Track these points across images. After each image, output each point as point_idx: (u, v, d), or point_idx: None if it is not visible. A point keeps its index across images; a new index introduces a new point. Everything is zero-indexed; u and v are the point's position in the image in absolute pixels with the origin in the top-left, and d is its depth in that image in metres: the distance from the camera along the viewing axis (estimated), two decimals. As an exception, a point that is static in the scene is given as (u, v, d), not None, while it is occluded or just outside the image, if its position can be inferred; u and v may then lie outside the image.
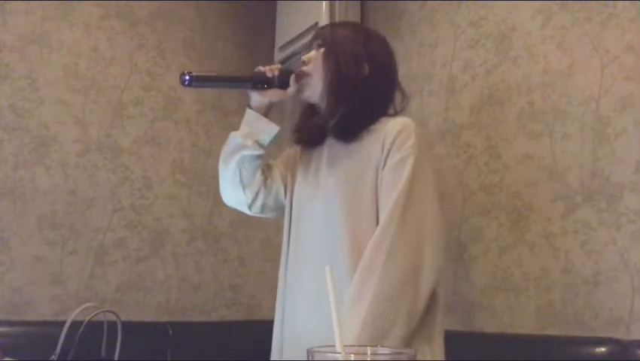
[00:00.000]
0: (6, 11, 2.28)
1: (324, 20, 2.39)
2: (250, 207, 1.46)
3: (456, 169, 2.02)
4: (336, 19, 2.42)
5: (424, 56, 2.22)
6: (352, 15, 2.50)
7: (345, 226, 1.27)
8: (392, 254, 1.18)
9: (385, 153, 1.27)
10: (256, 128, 1.39)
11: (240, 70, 2.78)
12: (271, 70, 1.37)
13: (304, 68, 1.40)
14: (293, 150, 1.53)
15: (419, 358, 1.21)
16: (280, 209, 1.48)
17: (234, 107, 2.69)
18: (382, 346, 1.08)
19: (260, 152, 1.40)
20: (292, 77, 1.38)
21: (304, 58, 1.41)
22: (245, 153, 1.38)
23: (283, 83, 1.38)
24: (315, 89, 1.38)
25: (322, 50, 1.39)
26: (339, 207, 1.29)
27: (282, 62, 2.61)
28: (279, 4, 2.73)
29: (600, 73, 1.64)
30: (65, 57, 2.38)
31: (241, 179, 1.40)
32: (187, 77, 1.29)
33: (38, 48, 2.33)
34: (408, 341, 1.17)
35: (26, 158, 2.26)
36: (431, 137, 2.14)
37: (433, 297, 1.23)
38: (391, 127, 1.29)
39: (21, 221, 2.22)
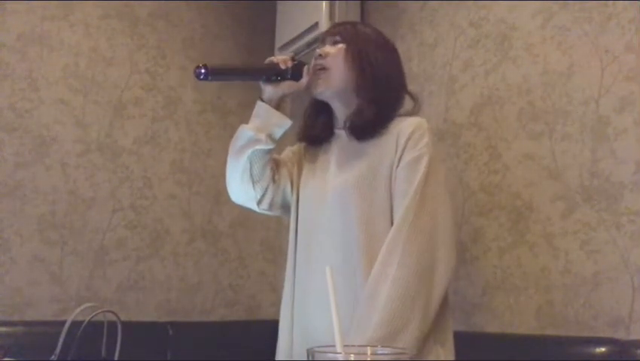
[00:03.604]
0: (6, 11, 2.28)
1: (324, 20, 2.39)
2: (259, 203, 1.42)
3: (456, 169, 2.02)
4: (336, 19, 2.41)
5: (424, 56, 2.22)
6: (352, 15, 2.50)
7: (359, 225, 1.25)
8: (406, 254, 1.17)
9: (399, 151, 1.27)
10: (268, 121, 1.35)
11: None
12: (284, 61, 1.34)
13: (321, 62, 1.36)
14: (296, 148, 1.51)
15: (431, 358, 1.20)
16: (287, 207, 1.46)
17: (234, 107, 2.69)
18: (394, 347, 1.08)
19: (272, 146, 1.36)
20: (305, 68, 1.36)
21: (320, 51, 1.38)
22: (258, 147, 1.34)
23: (296, 75, 1.35)
24: (331, 84, 1.36)
25: (341, 45, 1.37)
26: (352, 207, 1.27)
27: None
28: (279, 4, 2.73)
29: (600, 73, 1.64)
30: (65, 57, 2.38)
31: (251, 174, 1.36)
32: (202, 71, 1.24)
33: (38, 48, 2.33)
34: (422, 343, 1.16)
35: (26, 158, 2.26)
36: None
37: (444, 297, 1.23)
38: (404, 126, 1.29)
39: (21, 221, 2.22)
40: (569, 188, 1.68)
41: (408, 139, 1.27)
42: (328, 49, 1.38)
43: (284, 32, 2.64)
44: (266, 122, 1.35)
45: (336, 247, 1.28)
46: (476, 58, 2.01)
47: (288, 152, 1.51)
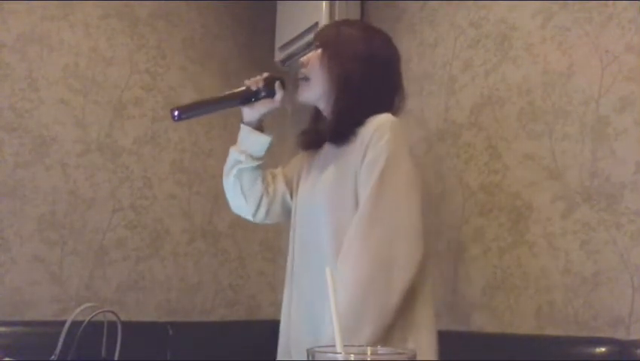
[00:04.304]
0: (6, 11, 2.28)
1: (324, 20, 2.39)
2: (254, 215, 1.50)
3: (456, 169, 2.02)
4: (336, 19, 2.42)
5: (424, 56, 2.22)
6: (352, 15, 2.50)
7: (329, 228, 1.28)
8: (360, 253, 1.18)
9: (362, 153, 1.26)
10: (248, 142, 1.43)
11: (239, 70, 2.79)
12: (255, 82, 1.39)
13: (302, 70, 1.39)
14: (300, 155, 1.55)
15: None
16: (289, 213, 1.50)
17: (234, 108, 2.69)
18: (351, 343, 1.07)
19: (256, 163, 1.45)
20: (277, 84, 1.40)
21: (302, 60, 1.41)
22: (241, 167, 1.44)
23: (270, 92, 1.39)
24: (313, 91, 1.38)
25: (319, 51, 1.39)
26: (325, 211, 1.30)
27: (283, 61, 2.62)
28: (279, 4, 2.73)
29: (600, 73, 1.64)
30: (65, 57, 2.38)
31: (242, 190, 1.46)
32: (175, 113, 1.31)
33: (38, 48, 2.33)
34: (381, 338, 1.15)
35: (26, 158, 2.26)
36: (431, 137, 2.14)
37: (412, 292, 1.20)
38: (368, 127, 1.28)
39: (21, 221, 2.22)
40: (569, 188, 1.68)
41: (370, 140, 1.25)
42: (309, 55, 1.41)
43: (284, 32, 2.64)
44: (246, 144, 1.44)
45: (313, 251, 1.34)
46: (476, 58, 2.01)
47: (295, 160, 1.57)
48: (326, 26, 1.52)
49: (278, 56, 2.66)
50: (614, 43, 1.61)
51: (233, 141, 1.48)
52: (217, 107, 1.45)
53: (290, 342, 1.37)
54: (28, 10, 2.32)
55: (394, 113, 1.36)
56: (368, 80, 1.34)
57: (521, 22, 1.87)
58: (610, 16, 1.63)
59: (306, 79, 1.38)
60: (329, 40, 1.39)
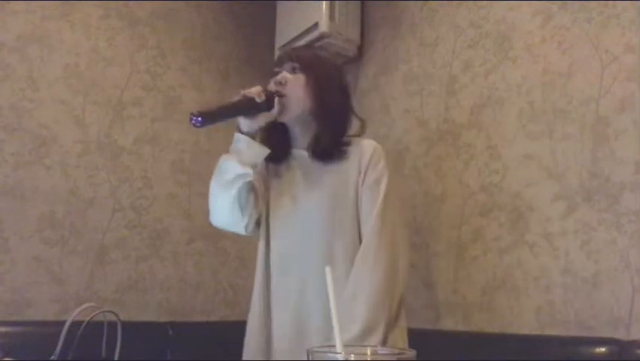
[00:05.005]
0: (6, 11, 2.28)
1: (324, 20, 2.39)
2: (246, 227, 1.50)
3: (456, 169, 2.02)
4: (336, 20, 2.41)
5: (424, 56, 2.22)
6: (352, 15, 2.50)
7: (330, 236, 1.39)
8: (376, 262, 1.33)
9: (362, 172, 1.43)
10: (252, 153, 1.42)
11: (239, 69, 2.78)
12: (258, 94, 1.39)
13: (280, 89, 1.43)
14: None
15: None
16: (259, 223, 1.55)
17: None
18: (369, 341, 1.23)
19: (254, 175, 1.46)
20: (276, 99, 1.43)
21: (280, 78, 1.45)
22: (247, 179, 1.42)
23: (269, 106, 1.42)
24: (292, 111, 1.44)
25: (300, 75, 1.44)
26: (324, 221, 1.40)
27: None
28: (279, 4, 2.73)
29: (600, 73, 1.64)
30: (65, 57, 2.38)
31: (239, 203, 1.46)
32: (199, 119, 1.28)
33: (38, 48, 2.32)
34: (387, 335, 1.29)
35: (26, 158, 2.26)
36: (431, 136, 2.14)
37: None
38: (365, 149, 1.45)
39: (21, 221, 2.22)
40: (569, 188, 1.68)
41: (369, 161, 1.43)
42: (287, 76, 1.45)
43: (284, 32, 2.64)
44: (249, 155, 1.42)
45: (310, 258, 1.40)
46: (476, 58, 2.01)
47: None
48: (300, 48, 1.62)
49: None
50: (614, 43, 1.61)
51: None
52: (230, 113, 1.43)
53: (274, 340, 1.46)
54: (28, 10, 2.32)
55: (359, 135, 1.53)
56: (344, 104, 1.49)
57: (521, 22, 1.87)
58: (610, 16, 1.63)
59: (285, 97, 1.43)
60: (311, 66, 1.46)
